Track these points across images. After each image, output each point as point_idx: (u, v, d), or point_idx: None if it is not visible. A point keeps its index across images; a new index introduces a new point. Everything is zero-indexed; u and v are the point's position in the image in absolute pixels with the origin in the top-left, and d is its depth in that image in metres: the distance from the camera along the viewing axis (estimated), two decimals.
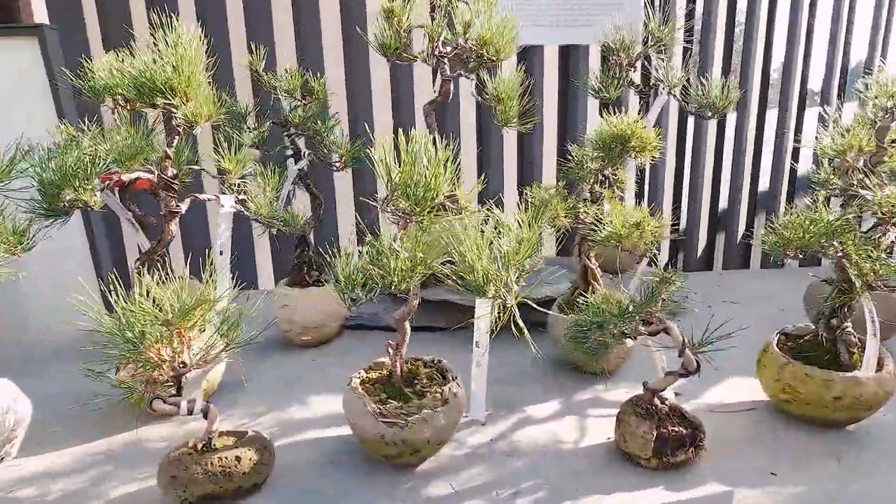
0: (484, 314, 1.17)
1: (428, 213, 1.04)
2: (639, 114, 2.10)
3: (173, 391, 1.25)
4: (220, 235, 1.53)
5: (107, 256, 2.58)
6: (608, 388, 1.57)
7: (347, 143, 1.86)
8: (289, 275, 1.97)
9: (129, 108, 1.76)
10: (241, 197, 1.53)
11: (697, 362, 1.06)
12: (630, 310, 1.05)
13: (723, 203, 3.03)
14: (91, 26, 2.60)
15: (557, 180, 2.84)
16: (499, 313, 1.06)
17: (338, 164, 1.87)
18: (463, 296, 2.00)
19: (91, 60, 2.69)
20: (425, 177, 1.03)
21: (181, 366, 1.12)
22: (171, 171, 1.37)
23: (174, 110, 1.32)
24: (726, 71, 2.87)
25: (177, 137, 1.35)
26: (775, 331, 1.47)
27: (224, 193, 1.62)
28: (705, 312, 2.06)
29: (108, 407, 1.60)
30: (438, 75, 2.02)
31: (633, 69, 2.05)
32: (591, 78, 2.05)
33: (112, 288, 1.09)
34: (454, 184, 1.05)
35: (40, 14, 2.71)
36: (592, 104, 2.75)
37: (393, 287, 1.04)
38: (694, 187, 2.92)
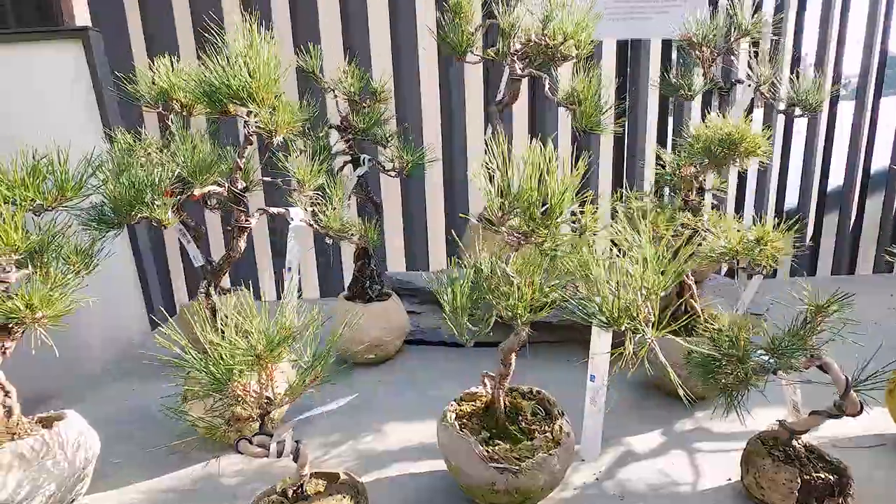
0: (605, 347, 1.04)
1: (549, 232, 0.92)
2: (721, 112, 1.96)
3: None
4: (290, 251, 1.42)
5: (152, 270, 2.52)
6: (711, 418, 1.43)
7: (411, 150, 1.74)
8: (349, 288, 1.86)
9: (185, 114, 1.67)
10: (310, 209, 1.42)
11: (861, 404, 0.92)
12: (787, 344, 0.91)
13: (789, 203, 2.86)
14: (133, 30, 2.52)
15: (615, 189, 2.69)
16: (617, 342, 0.94)
17: (396, 172, 1.75)
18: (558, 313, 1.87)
19: (134, 65, 2.63)
20: (546, 190, 0.90)
21: (267, 402, 1.02)
22: (241, 184, 1.27)
23: (247, 117, 1.21)
24: (795, 64, 2.70)
25: (248, 147, 1.25)
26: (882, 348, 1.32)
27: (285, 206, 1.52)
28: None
29: (170, 434, 1.51)
30: (505, 75, 1.89)
31: (715, 64, 1.90)
32: (669, 74, 1.91)
33: (171, 314, 0.98)
34: (580, 198, 0.93)
35: (80, 17, 2.65)
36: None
37: (516, 319, 0.92)
38: (762, 189, 2.75)
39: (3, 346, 1.09)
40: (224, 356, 0.99)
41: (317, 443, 1.40)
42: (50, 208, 0.99)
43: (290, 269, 1.44)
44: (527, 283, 0.92)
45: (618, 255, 0.92)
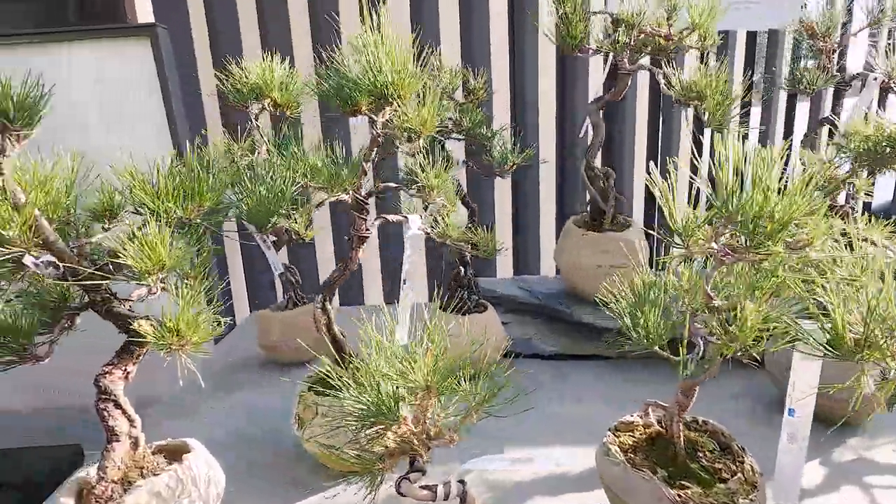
0: (814, 380, 0.91)
1: (771, 248, 0.80)
2: (834, 110, 1.82)
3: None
4: (406, 261, 1.32)
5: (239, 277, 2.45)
6: (870, 447, 1.30)
7: (515, 150, 1.63)
8: (441, 296, 1.75)
9: (279, 113, 1.57)
10: (427, 216, 1.31)
11: None
12: None
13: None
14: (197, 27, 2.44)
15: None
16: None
17: (501, 172, 1.64)
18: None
19: (196, 62, 2.53)
20: (768, 200, 0.78)
21: (427, 438, 0.91)
22: (365, 191, 1.16)
23: (374, 116, 1.10)
24: None
25: (374, 150, 1.14)
26: None
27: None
28: None
29: (274, 456, 1.42)
30: (608, 69, 1.77)
31: (836, 56, 1.76)
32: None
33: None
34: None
35: (142, 13, 2.57)
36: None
37: (742, 351, 0.79)
38: None
39: (125, 370, 0.99)
40: (384, 384, 0.88)
41: (438, 472, 1.29)
42: (189, 220, 0.89)
43: (406, 281, 1.33)
44: (745, 307, 0.80)
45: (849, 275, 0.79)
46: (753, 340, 0.77)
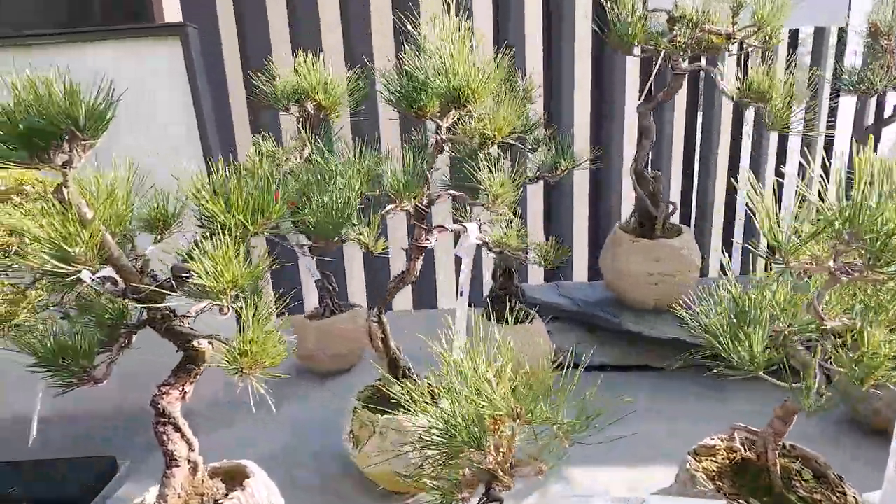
0: None
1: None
2: None
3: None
4: (463, 271, 1.26)
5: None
6: None
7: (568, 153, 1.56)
8: (489, 306, 1.69)
9: (322, 115, 1.51)
10: (485, 224, 1.25)
11: None
12: None
13: None
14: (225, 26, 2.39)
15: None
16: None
17: (551, 176, 1.57)
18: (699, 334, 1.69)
19: (224, 62, 2.48)
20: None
21: (511, 467, 0.85)
22: (426, 199, 1.10)
23: (439, 121, 1.05)
24: None
25: (439, 155, 1.08)
26: None
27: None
28: None
29: (320, 473, 1.36)
30: (658, 69, 1.70)
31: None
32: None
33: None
34: None
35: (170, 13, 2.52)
36: None
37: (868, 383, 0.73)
38: None
39: (183, 390, 0.94)
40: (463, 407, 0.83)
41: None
42: (256, 233, 0.84)
43: (462, 292, 1.27)
44: (871, 332, 0.73)
45: None
46: (893, 370, 0.71)
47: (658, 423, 1.48)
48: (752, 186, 0.84)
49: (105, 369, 0.85)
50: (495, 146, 0.94)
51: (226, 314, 0.77)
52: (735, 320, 0.84)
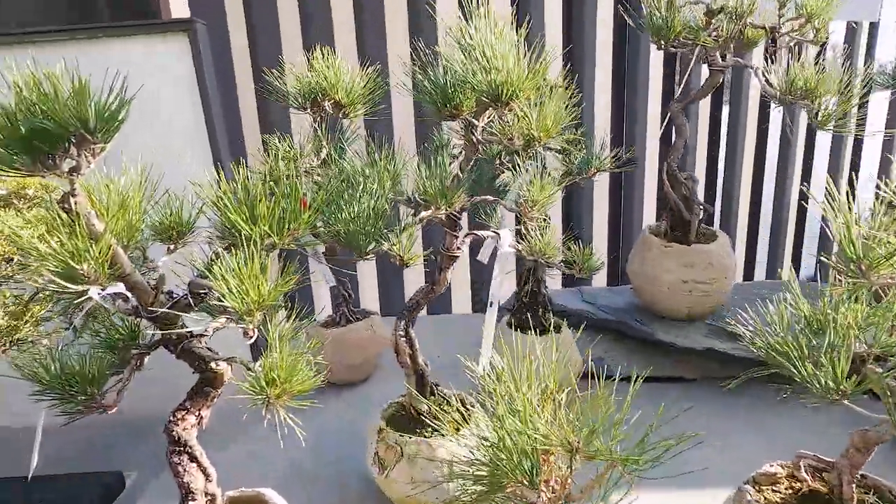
0: None
1: None
2: None
3: None
4: (494, 281, 1.18)
5: None
6: None
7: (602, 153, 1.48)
8: (513, 315, 1.60)
9: (341, 115, 1.44)
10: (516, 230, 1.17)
11: None
12: None
13: None
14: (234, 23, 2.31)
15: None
16: None
17: (582, 178, 1.49)
18: (734, 344, 1.62)
19: (232, 58, 2.40)
20: None
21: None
22: (458, 204, 1.02)
23: (475, 120, 0.96)
24: None
25: (473, 158, 1.00)
26: None
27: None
28: None
29: (341, 497, 1.28)
30: (693, 64, 1.62)
31: None
32: None
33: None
34: None
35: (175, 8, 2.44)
36: None
37: None
38: None
39: (199, 415, 0.86)
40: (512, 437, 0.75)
41: None
42: (282, 246, 0.76)
43: (492, 303, 1.19)
44: None
45: None
46: None
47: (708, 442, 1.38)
48: (829, 192, 0.76)
49: (115, 396, 0.77)
50: (542, 147, 0.86)
51: (251, 337, 0.69)
52: (812, 342, 0.76)
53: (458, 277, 2.47)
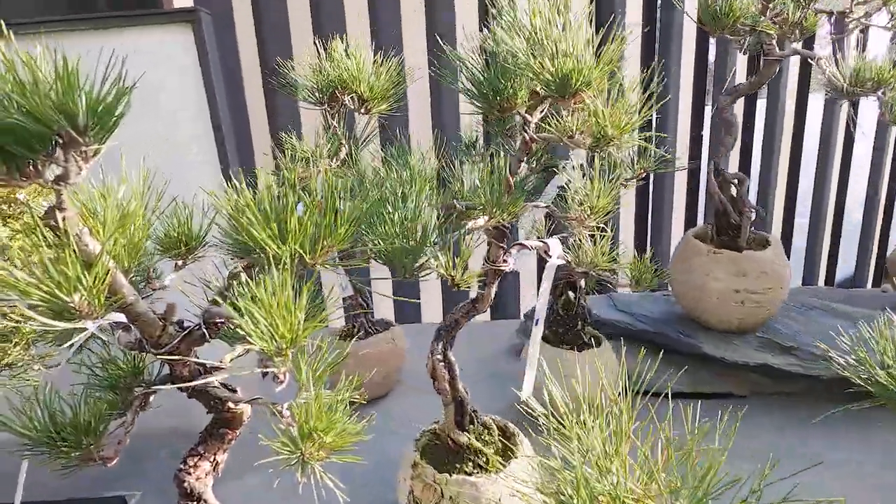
0: None
1: None
2: None
3: None
4: (541, 296, 1.05)
5: None
6: None
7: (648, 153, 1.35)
8: (548, 328, 1.47)
9: (364, 110, 1.31)
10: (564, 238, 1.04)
11: None
12: None
13: None
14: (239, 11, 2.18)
15: None
16: None
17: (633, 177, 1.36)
18: (789, 359, 1.49)
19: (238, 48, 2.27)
20: None
21: None
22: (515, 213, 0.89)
23: (528, 116, 0.84)
24: None
25: (526, 158, 0.87)
26: None
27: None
28: None
29: None
30: (750, 55, 1.48)
31: None
32: None
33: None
34: None
35: None
36: None
37: None
38: None
39: (214, 460, 0.74)
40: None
41: None
42: (313, 266, 0.63)
43: (538, 320, 1.06)
44: None
45: None
46: None
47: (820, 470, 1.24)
48: None
49: (117, 445, 0.64)
50: (614, 147, 0.73)
51: (282, 382, 0.56)
52: None
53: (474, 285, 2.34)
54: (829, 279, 2.48)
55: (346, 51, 1.25)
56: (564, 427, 0.67)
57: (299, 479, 0.56)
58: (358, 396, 0.65)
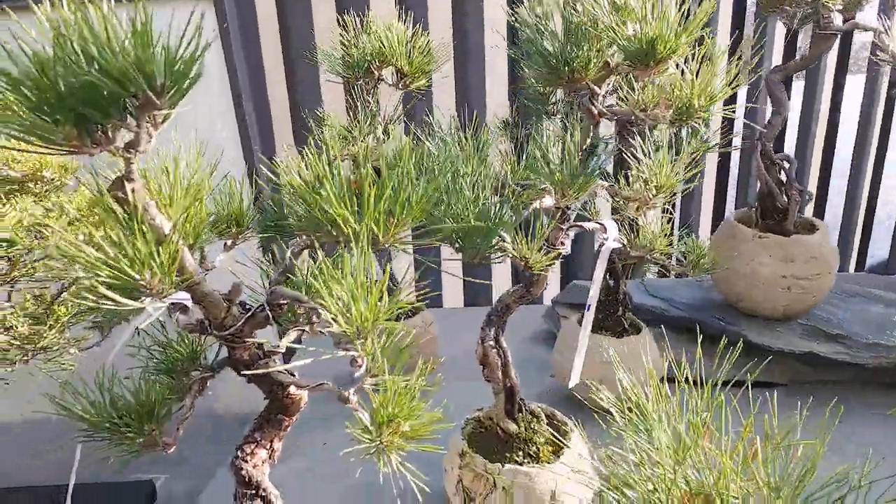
0: None
1: None
2: None
3: None
4: (595, 282, 1.01)
5: None
6: None
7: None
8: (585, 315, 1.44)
9: (402, 85, 1.26)
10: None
11: None
12: None
13: None
14: None
15: None
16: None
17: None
18: (835, 347, 1.44)
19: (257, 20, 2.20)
20: None
21: None
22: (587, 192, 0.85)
23: (598, 90, 0.79)
24: None
25: (590, 135, 0.82)
26: None
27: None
28: None
29: None
30: (797, 28, 1.42)
31: None
32: None
33: None
34: None
35: None
36: None
37: None
38: None
39: (271, 447, 0.71)
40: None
41: None
42: (385, 246, 0.59)
43: (590, 306, 1.03)
44: None
45: None
46: None
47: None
48: None
49: (177, 431, 0.61)
50: (696, 121, 0.69)
51: (360, 366, 0.53)
52: None
53: (501, 271, 2.30)
54: (860, 265, 2.43)
55: (385, 25, 1.20)
56: (643, 417, 0.63)
57: (379, 468, 0.53)
58: (431, 384, 0.62)
